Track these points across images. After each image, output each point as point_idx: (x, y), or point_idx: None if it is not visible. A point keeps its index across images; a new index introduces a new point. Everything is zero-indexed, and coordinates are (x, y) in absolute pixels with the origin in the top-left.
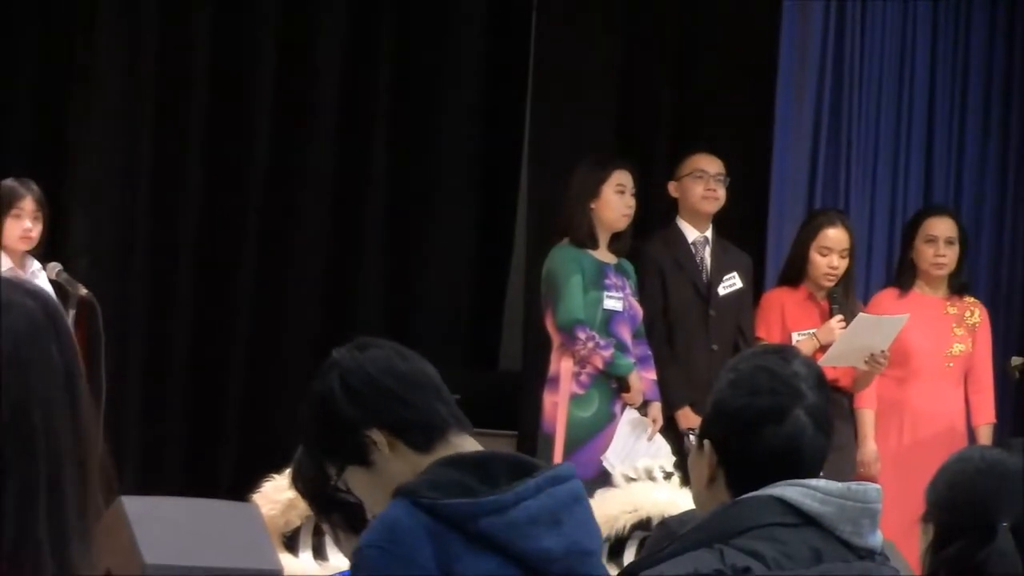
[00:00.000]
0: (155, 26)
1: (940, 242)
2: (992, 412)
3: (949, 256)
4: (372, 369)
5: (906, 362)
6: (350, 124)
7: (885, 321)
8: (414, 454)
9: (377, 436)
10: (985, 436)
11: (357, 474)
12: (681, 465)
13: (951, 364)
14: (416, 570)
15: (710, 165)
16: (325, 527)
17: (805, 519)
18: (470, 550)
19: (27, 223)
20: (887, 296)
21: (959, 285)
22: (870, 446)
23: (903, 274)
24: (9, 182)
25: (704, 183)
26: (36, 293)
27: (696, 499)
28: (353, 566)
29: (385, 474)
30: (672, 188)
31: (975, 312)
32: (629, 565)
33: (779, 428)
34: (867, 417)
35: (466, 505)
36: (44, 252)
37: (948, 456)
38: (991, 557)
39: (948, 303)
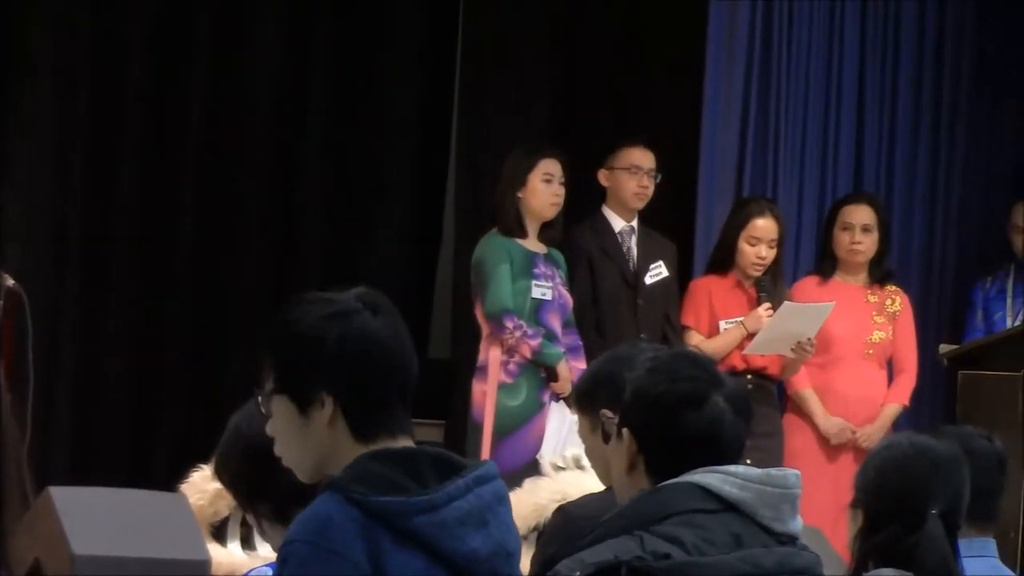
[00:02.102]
0: (88, 8)
1: (856, 229)
2: (905, 395)
3: (866, 243)
4: (374, 343)
5: (827, 349)
6: (286, 107)
7: (811, 309)
8: (348, 439)
9: (327, 401)
10: (888, 415)
11: (285, 410)
12: None
13: (870, 351)
14: (347, 566)
15: (645, 160)
16: (250, 518)
17: (725, 505)
18: (399, 548)
19: None
20: (808, 284)
21: (881, 273)
22: (832, 420)
23: (823, 262)
24: None
25: (637, 179)
26: None
27: (616, 486)
28: (280, 560)
29: (310, 435)
30: (602, 177)
31: (896, 300)
32: (548, 554)
33: (698, 414)
34: (810, 396)
35: (398, 503)
36: None
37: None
38: (920, 543)
39: (869, 291)
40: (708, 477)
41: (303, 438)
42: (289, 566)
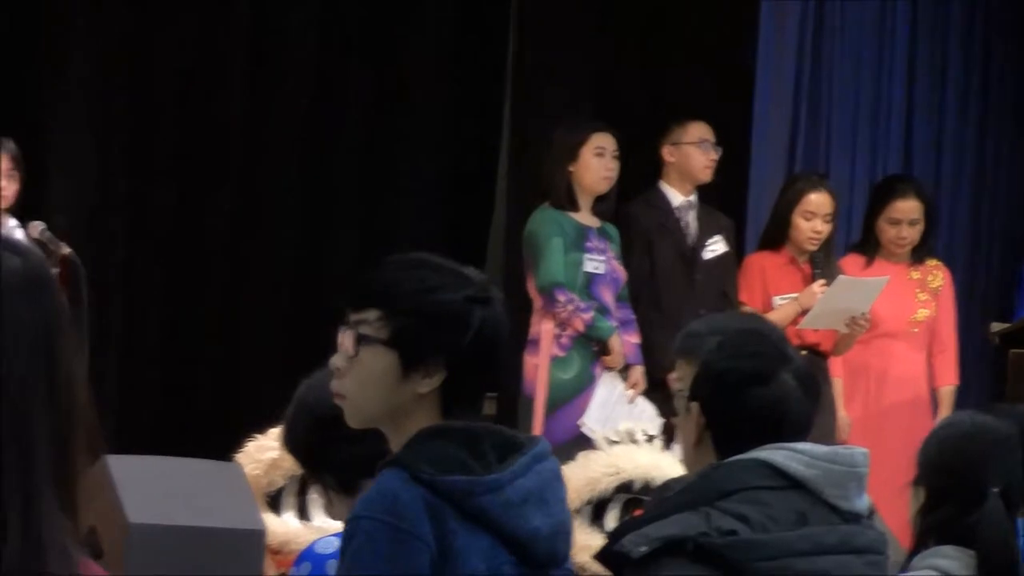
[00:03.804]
0: None
1: (903, 224)
2: (955, 374)
3: (912, 236)
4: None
5: (872, 328)
6: (329, 78)
7: (865, 283)
8: (432, 410)
9: (436, 374)
10: (947, 397)
11: (384, 362)
12: (667, 428)
13: (916, 329)
14: (418, 544)
15: (711, 134)
16: (316, 489)
17: (791, 482)
18: (464, 527)
19: (2, 181)
20: (853, 263)
21: (923, 252)
22: (841, 413)
23: (867, 245)
24: None
25: (707, 154)
26: (22, 250)
27: (684, 461)
28: (347, 534)
29: (396, 393)
30: (666, 152)
31: (938, 275)
32: (617, 526)
33: (765, 390)
34: (837, 385)
35: (464, 482)
36: (20, 211)
37: (913, 420)
38: (981, 521)
39: (911, 268)
40: (774, 454)
41: (387, 392)
42: (356, 541)
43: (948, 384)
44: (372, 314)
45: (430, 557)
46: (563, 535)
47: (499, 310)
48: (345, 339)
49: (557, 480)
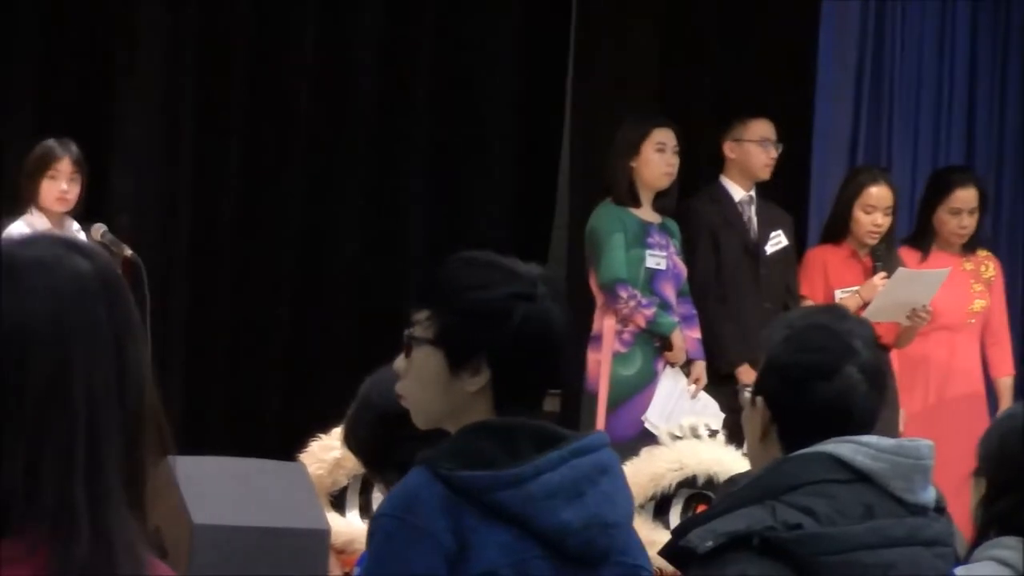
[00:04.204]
0: None
1: (964, 214)
2: (1011, 364)
3: (971, 225)
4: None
5: (931, 320)
6: (390, 84)
7: (925, 275)
8: (484, 406)
9: (484, 371)
10: (1006, 388)
11: (434, 361)
12: (730, 423)
13: (972, 320)
14: (430, 541)
15: (772, 132)
16: (379, 487)
17: (857, 475)
18: (485, 522)
19: (63, 184)
20: (908, 257)
21: (974, 241)
22: (900, 409)
23: (923, 237)
24: (47, 143)
25: (767, 152)
26: (92, 253)
27: (749, 455)
28: (370, 532)
29: (449, 391)
30: (728, 148)
31: (990, 266)
32: (682, 522)
33: (831, 384)
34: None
35: (483, 478)
36: (82, 213)
37: (974, 412)
38: None
39: (964, 260)
40: (840, 447)
41: (441, 391)
42: (376, 539)
43: (1006, 375)
44: (423, 314)
45: (445, 554)
46: (601, 528)
47: (547, 306)
48: (407, 342)
49: (602, 474)
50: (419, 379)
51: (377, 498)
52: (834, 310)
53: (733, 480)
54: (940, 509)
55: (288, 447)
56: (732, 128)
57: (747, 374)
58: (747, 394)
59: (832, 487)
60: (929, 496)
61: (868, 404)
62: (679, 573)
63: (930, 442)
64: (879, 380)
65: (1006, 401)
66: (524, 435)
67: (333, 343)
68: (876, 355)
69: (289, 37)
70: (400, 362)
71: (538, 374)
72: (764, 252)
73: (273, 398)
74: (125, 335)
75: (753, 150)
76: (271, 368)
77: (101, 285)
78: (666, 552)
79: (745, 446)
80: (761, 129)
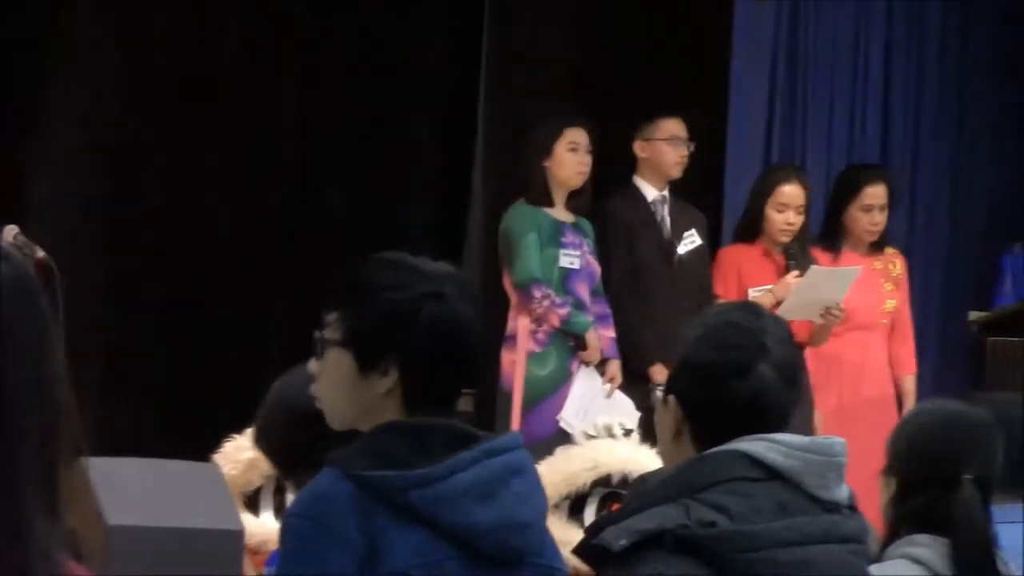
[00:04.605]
0: None
1: (875, 210)
2: (914, 362)
3: (882, 222)
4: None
5: (844, 320)
6: (313, 72)
7: (838, 273)
8: (395, 406)
9: (392, 371)
10: (910, 386)
11: (343, 363)
12: (645, 422)
13: (885, 320)
14: (340, 541)
15: (683, 131)
16: (291, 486)
17: (771, 473)
18: (397, 522)
19: None
20: (820, 257)
21: (883, 239)
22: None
23: (834, 236)
24: None
25: (678, 150)
26: (6, 255)
27: (662, 454)
28: (281, 532)
29: (359, 392)
30: (638, 147)
31: (897, 264)
32: (595, 520)
33: (744, 382)
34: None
35: (393, 477)
36: None
37: (885, 411)
38: (954, 508)
39: (873, 259)
40: (754, 445)
41: (351, 393)
42: (287, 540)
43: (909, 373)
44: (333, 316)
45: (356, 554)
46: (514, 528)
47: (456, 305)
48: (317, 344)
49: (515, 475)
50: (329, 381)
51: (291, 499)
52: (748, 308)
53: (643, 479)
54: (852, 507)
55: (203, 448)
56: (642, 127)
57: (660, 373)
58: (659, 393)
59: (746, 485)
60: (843, 493)
61: (782, 402)
62: (594, 573)
63: (843, 439)
64: (793, 378)
65: (910, 399)
66: (435, 435)
67: (245, 344)
68: (790, 353)
69: (217, 33)
70: (313, 364)
71: (449, 374)
72: (678, 252)
73: (188, 398)
74: (40, 337)
75: (664, 149)
76: (186, 369)
77: (16, 287)
78: (580, 551)
79: (658, 445)
80: (671, 128)
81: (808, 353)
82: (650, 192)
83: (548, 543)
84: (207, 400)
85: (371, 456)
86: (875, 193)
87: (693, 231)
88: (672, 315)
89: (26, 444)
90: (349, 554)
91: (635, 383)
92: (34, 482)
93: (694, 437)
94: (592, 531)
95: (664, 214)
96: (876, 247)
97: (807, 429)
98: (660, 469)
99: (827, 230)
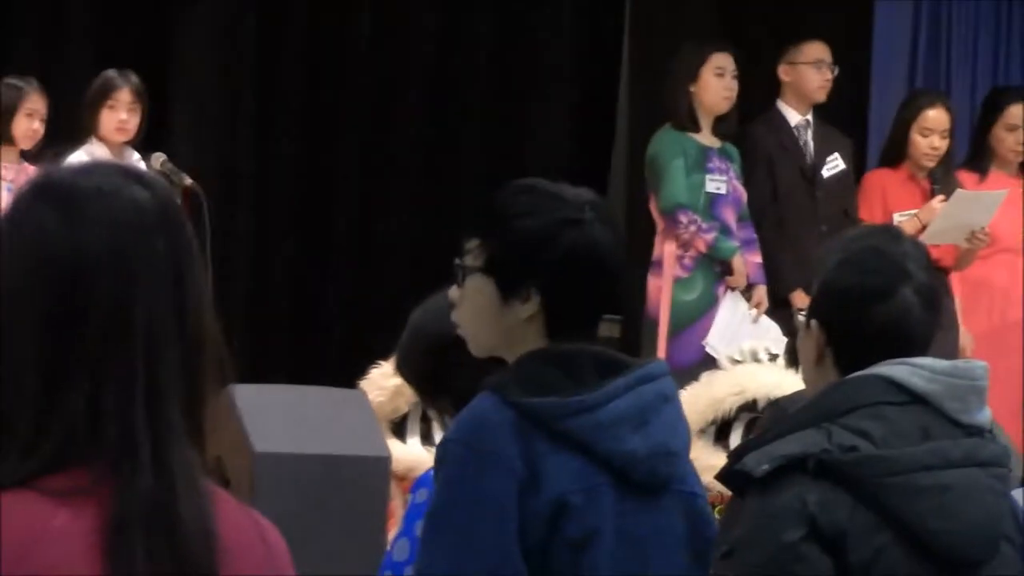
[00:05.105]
0: None
1: (1020, 130)
2: None
3: None
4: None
5: (992, 243)
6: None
7: (984, 196)
8: (538, 333)
9: (534, 298)
10: None
11: (485, 290)
12: (791, 347)
13: None
14: (503, 466)
15: (827, 55)
16: (432, 413)
17: (912, 397)
18: (555, 448)
19: (123, 115)
20: (967, 179)
21: None
22: (962, 330)
23: (981, 158)
24: (107, 73)
25: (822, 74)
26: (151, 183)
27: (805, 379)
28: (438, 458)
29: (501, 319)
30: (783, 72)
31: None
32: (738, 446)
33: (886, 306)
34: (955, 304)
35: (553, 405)
36: (143, 143)
37: None
38: None
39: (1022, 181)
40: (895, 369)
41: (494, 320)
42: (446, 465)
43: None
44: (473, 243)
45: (518, 479)
46: (664, 456)
47: (595, 230)
48: (458, 273)
49: (665, 403)
50: (471, 308)
51: (436, 425)
52: (888, 232)
53: (778, 403)
54: (992, 431)
55: (350, 375)
56: (787, 52)
57: (801, 299)
58: (801, 318)
59: (887, 409)
60: (984, 417)
61: (923, 326)
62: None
63: (984, 363)
64: (934, 302)
65: None
66: (587, 362)
67: (392, 271)
68: (931, 277)
69: None
70: (453, 291)
71: (590, 300)
72: (821, 176)
73: (335, 325)
74: (184, 266)
75: (808, 73)
76: (333, 296)
77: (160, 215)
78: (722, 476)
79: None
80: (815, 51)
81: (955, 277)
82: (793, 116)
83: (690, 470)
84: (355, 326)
85: (527, 383)
86: (1019, 113)
87: (837, 155)
88: (813, 241)
89: (170, 374)
90: (511, 479)
91: (778, 308)
92: (178, 411)
93: (836, 362)
94: (735, 456)
95: (807, 139)
96: None
97: (951, 353)
98: (796, 393)
99: (973, 152)
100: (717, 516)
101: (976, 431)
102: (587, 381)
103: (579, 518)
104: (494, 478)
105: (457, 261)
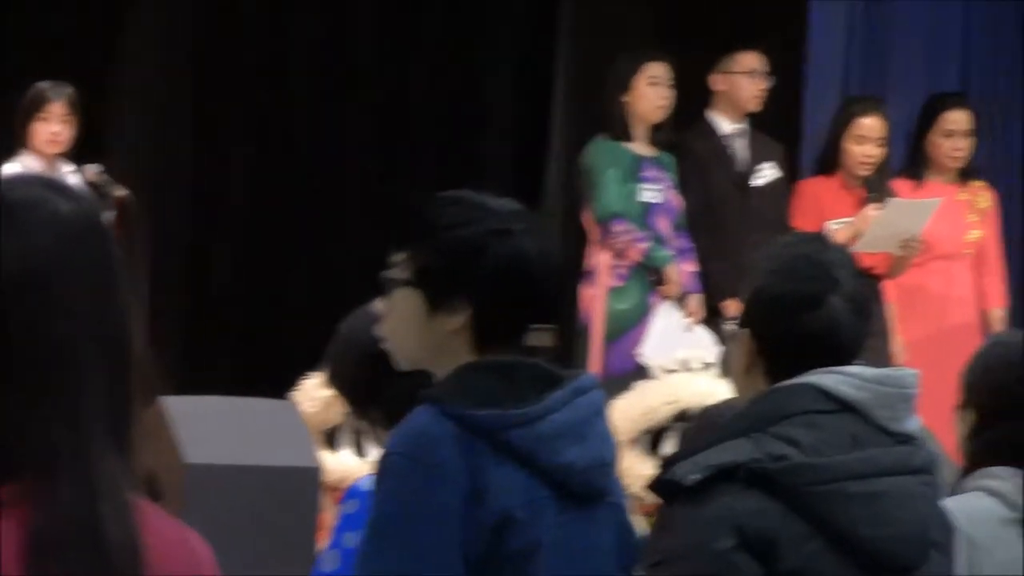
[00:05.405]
0: None
1: (957, 136)
2: (1003, 296)
3: (965, 148)
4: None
5: (927, 250)
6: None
7: (918, 205)
8: (466, 346)
9: (461, 310)
10: (997, 319)
11: (412, 302)
12: (725, 356)
13: (968, 251)
14: (444, 479)
15: (761, 64)
16: (363, 424)
17: (842, 405)
18: (498, 461)
19: (55, 127)
20: (903, 187)
21: (968, 170)
22: (896, 338)
23: (917, 164)
24: (40, 85)
25: (756, 83)
26: (75, 195)
27: (735, 388)
28: (379, 471)
29: (429, 331)
30: (716, 81)
31: (985, 196)
32: (669, 455)
33: (816, 314)
34: (890, 311)
35: (495, 417)
36: (79, 154)
37: (969, 342)
38: None
39: (958, 189)
40: (825, 378)
41: (421, 332)
42: (389, 477)
43: (998, 306)
44: (400, 256)
45: (462, 492)
46: (600, 468)
47: (523, 241)
48: (385, 285)
49: (598, 415)
50: (398, 320)
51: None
52: (817, 240)
53: (706, 413)
54: (921, 439)
55: (281, 386)
56: (720, 61)
57: (734, 307)
58: (731, 326)
59: (817, 418)
60: (914, 425)
61: (853, 334)
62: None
63: (915, 371)
64: (863, 309)
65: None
66: (523, 374)
67: (332, 282)
68: (860, 284)
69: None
70: (379, 303)
71: (519, 311)
72: (753, 185)
73: (268, 335)
74: (108, 280)
75: (740, 81)
76: (266, 307)
77: (83, 227)
78: (654, 485)
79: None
80: (749, 61)
81: (890, 284)
82: (724, 126)
83: (617, 481)
84: (283, 335)
85: (467, 394)
86: (956, 118)
87: (769, 164)
88: (746, 249)
89: (94, 387)
90: (456, 492)
91: (713, 317)
92: (101, 423)
93: (766, 370)
94: (666, 466)
95: (738, 148)
96: (962, 177)
97: (884, 360)
98: (724, 402)
99: (910, 158)
100: (649, 527)
101: (905, 439)
102: (525, 394)
103: (522, 531)
104: (439, 491)
105: (384, 273)
